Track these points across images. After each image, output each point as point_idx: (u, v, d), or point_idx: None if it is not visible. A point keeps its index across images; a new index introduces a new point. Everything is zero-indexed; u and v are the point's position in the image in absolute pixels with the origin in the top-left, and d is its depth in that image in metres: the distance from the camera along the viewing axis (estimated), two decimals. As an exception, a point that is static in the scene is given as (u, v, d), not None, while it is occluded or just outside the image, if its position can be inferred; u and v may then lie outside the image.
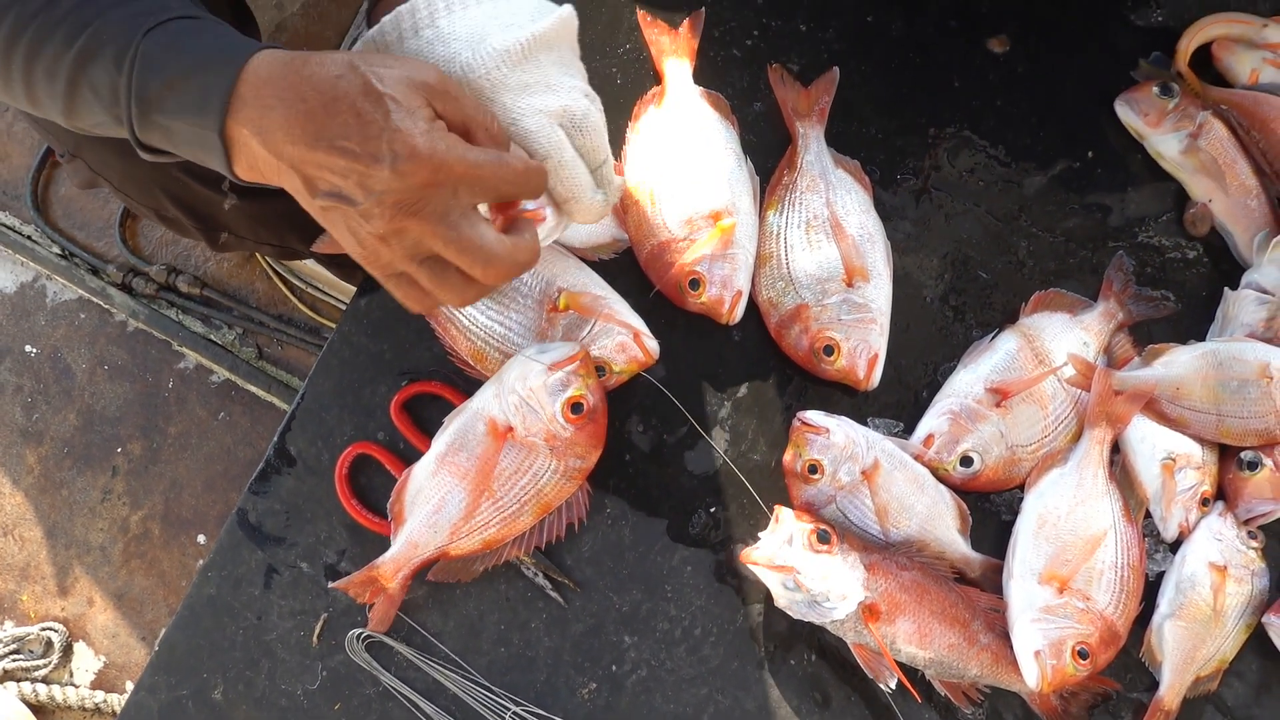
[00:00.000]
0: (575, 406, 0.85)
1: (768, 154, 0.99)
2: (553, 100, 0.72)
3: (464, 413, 0.88)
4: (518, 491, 0.86)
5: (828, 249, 0.93)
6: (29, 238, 1.74)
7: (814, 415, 0.89)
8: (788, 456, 0.89)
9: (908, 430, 0.93)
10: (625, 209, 0.96)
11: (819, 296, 0.92)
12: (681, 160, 0.95)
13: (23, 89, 0.69)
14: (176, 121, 0.64)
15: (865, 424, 0.92)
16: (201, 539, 1.63)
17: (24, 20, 0.66)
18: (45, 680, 1.58)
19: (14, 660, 1.57)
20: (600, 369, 0.89)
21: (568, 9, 0.74)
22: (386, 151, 0.60)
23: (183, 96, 0.63)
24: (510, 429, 0.86)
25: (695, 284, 0.91)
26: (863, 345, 0.91)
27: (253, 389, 1.66)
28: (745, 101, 1.01)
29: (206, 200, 1.07)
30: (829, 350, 0.91)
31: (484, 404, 0.87)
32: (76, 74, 0.65)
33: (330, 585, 0.89)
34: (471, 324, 0.90)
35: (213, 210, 1.08)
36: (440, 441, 0.88)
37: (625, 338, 0.89)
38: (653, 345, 0.90)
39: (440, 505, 0.86)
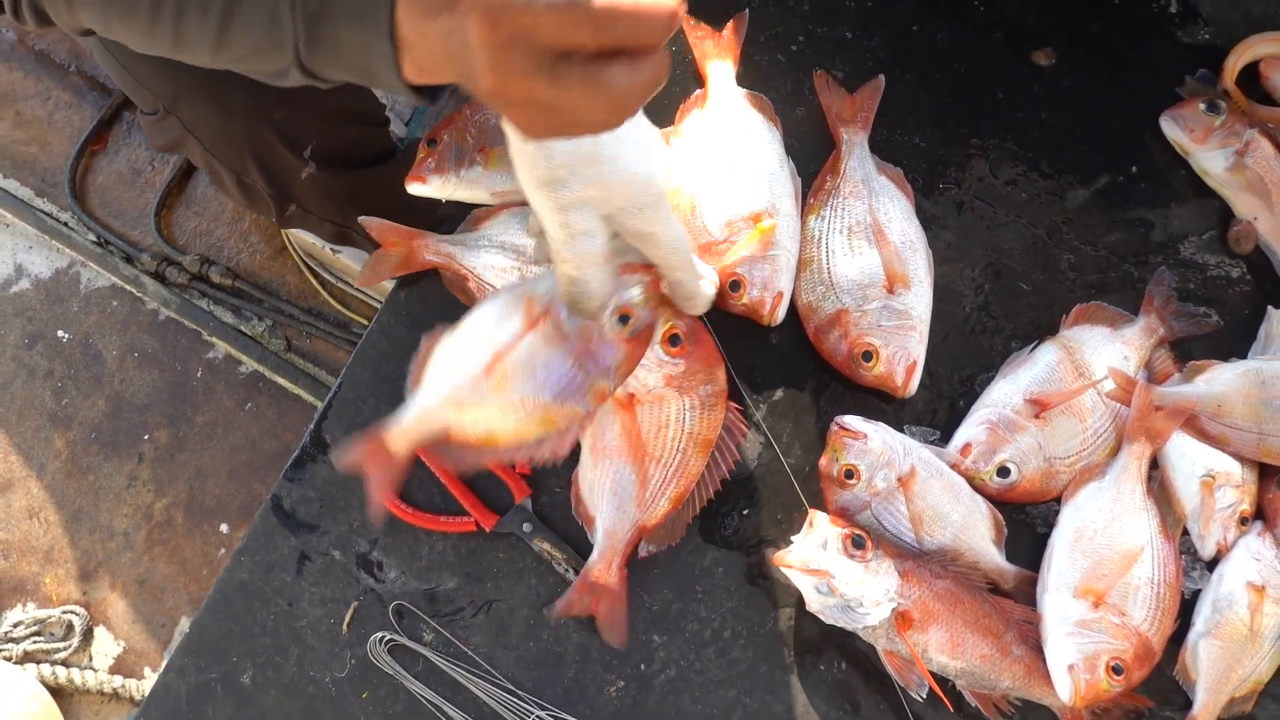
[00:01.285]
0: (672, 339, 0.86)
1: (810, 159, 0.99)
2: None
3: None
4: (672, 442, 0.87)
5: (869, 255, 0.93)
6: (65, 224, 1.75)
7: (852, 420, 0.89)
8: (824, 460, 0.89)
9: (944, 439, 0.93)
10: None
11: (859, 302, 0.92)
12: (723, 162, 0.95)
13: (171, 23, 0.67)
14: (344, 31, 0.63)
15: (902, 432, 0.92)
16: (224, 528, 1.63)
17: None
18: (65, 663, 1.58)
19: (34, 642, 1.58)
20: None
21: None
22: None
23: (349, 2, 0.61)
24: (632, 395, 0.86)
25: (736, 286, 0.91)
26: (901, 352, 0.91)
27: (280, 381, 1.67)
28: (789, 106, 1.02)
29: (287, 166, 1.11)
30: (867, 356, 0.91)
31: None
32: (231, 3, 0.65)
33: (553, 618, 0.88)
34: None
35: (289, 178, 1.12)
36: (583, 440, 0.88)
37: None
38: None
39: (615, 488, 0.87)
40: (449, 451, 0.80)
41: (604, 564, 0.88)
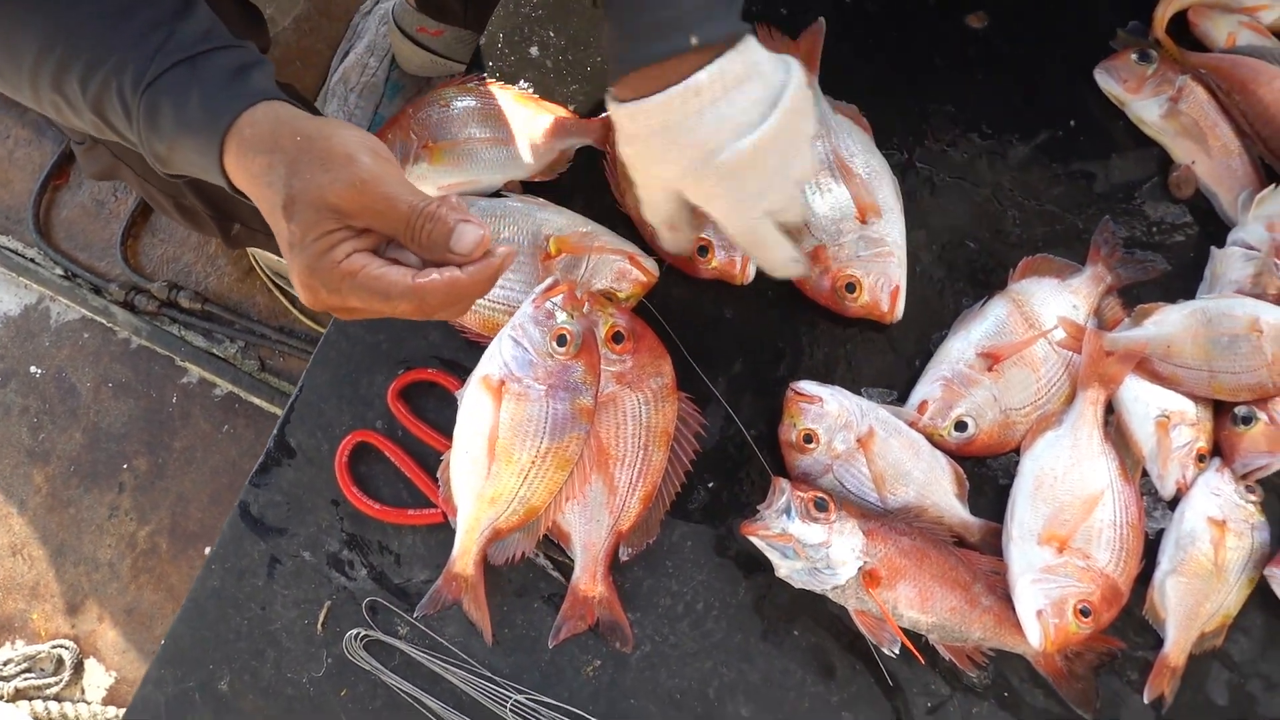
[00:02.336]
0: (615, 337, 0.88)
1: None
2: (763, 203, 0.79)
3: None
4: (631, 441, 0.88)
5: (837, 191, 0.94)
6: (32, 260, 1.76)
7: (807, 385, 0.90)
8: (783, 427, 0.90)
9: (902, 399, 0.94)
10: (625, 186, 0.97)
11: (834, 237, 0.93)
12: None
13: (52, 109, 0.74)
14: (191, 169, 0.72)
15: (859, 394, 0.92)
16: (209, 551, 1.63)
17: (49, 41, 0.70)
18: (57, 698, 1.58)
19: (26, 679, 1.58)
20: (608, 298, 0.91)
21: (789, 100, 0.76)
22: (290, 265, 0.67)
23: (188, 155, 0.70)
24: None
25: (704, 250, 0.92)
26: (883, 279, 0.92)
27: (256, 401, 1.67)
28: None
29: (223, 188, 1.12)
30: (851, 287, 0.92)
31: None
32: (96, 116, 0.72)
33: (552, 644, 0.89)
34: None
35: (227, 200, 1.12)
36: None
37: (622, 263, 0.91)
38: (650, 264, 0.92)
39: (586, 501, 0.88)
40: (509, 545, 0.87)
41: (588, 577, 0.88)
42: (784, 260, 0.85)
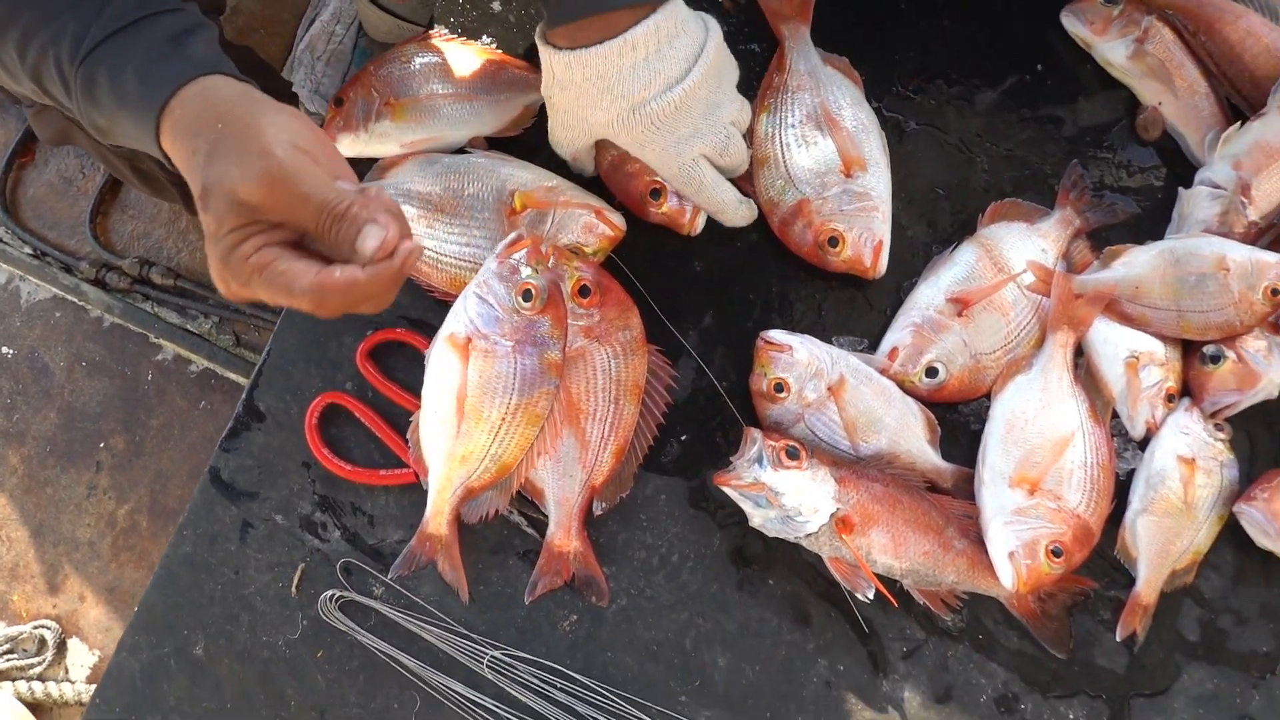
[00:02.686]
0: (582, 290, 0.87)
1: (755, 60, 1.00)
2: (696, 145, 0.86)
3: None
4: (601, 396, 0.88)
5: (823, 144, 0.93)
6: (0, 240, 1.73)
7: (777, 334, 0.89)
8: (753, 377, 0.90)
9: (872, 347, 0.94)
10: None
11: (819, 190, 0.92)
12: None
13: None
14: (131, 144, 0.71)
15: (830, 343, 0.92)
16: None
17: None
18: (41, 678, 1.57)
19: (8, 660, 1.57)
20: (575, 253, 0.91)
21: (712, 52, 0.84)
22: (208, 254, 0.66)
23: (126, 130, 0.69)
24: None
25: (656, 194, 0.91)
26: (866, 233, 0.91)
27: (232, 376, 1.66)
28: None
29: None
30: (833, 241, 0.91)
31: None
32: (35, 85, 0.71)
33: (528, 600, 0.88)
34: (440, 256, 0.91)
35: None
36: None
37: (589, 217, 0.90)
38: (617, 218, 0.92)
39: (558, 457, 0.87)
40: (482, 503, 0.87)
41: (563, 532, 0.88)
42: (729, 201, 0.91)
